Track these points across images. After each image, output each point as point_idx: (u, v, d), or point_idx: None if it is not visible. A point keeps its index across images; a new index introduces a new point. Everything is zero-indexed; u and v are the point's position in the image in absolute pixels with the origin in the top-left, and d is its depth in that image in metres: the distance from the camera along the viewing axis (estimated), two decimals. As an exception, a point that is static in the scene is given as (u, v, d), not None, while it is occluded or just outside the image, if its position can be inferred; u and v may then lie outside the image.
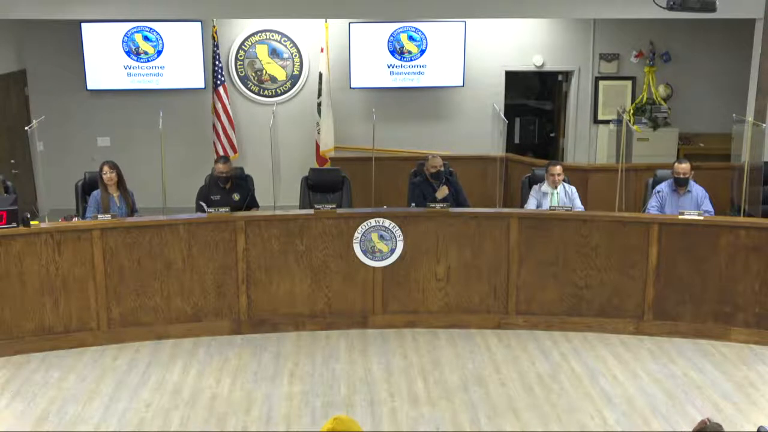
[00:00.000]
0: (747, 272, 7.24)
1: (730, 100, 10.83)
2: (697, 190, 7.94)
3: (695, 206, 7.77)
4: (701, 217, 7.36)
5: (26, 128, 7.98)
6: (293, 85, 11.43)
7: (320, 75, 10.93)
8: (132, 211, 7.84)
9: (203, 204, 7.89)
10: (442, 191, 8.21)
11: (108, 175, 7.70)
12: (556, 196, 8.06)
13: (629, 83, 11.82)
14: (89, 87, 11.01)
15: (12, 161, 10.23)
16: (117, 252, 7.14)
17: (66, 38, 10.83)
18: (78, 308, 7.14)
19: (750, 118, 9.13)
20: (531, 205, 8.12)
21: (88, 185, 8.11)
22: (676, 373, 6.79)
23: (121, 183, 7.81)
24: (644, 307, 7.46)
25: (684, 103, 11.74)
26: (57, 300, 7.08)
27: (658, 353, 7.16)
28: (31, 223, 6.99)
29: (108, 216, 7.27)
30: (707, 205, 7.85)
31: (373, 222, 7.45)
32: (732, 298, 7.32)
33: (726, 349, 7.23)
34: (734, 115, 9.49)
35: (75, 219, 7.71)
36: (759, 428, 4.30)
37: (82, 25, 10.68)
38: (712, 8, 6.35)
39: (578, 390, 6.47)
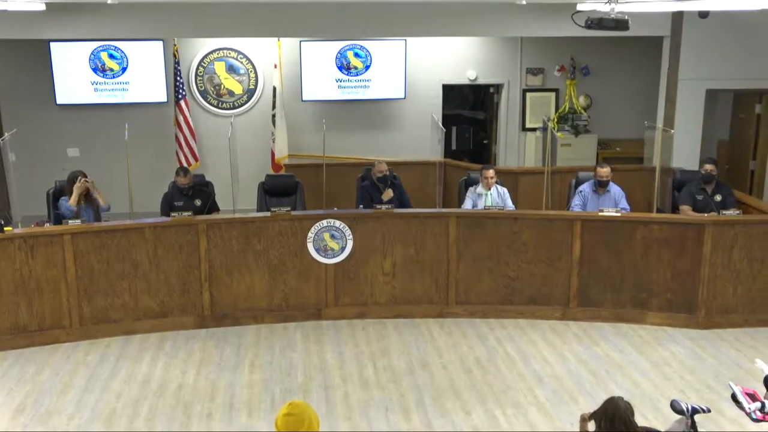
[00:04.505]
0: (659, 262, 7.37)
1: (642, 108, 11.00)
2: (614, 189, 8.05)
3: (613, 204, 7.88)
4: (619, 214, 7.47)
5: (-1, 140, 7.77)
6: (249, 98, 11.30)
7: (274, 89, 10.84)
8: (98, 213, 7.65)
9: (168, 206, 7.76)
10: (388, 194, 8.22)
11: (83, 179, 7.50)
12: (490, 196, 8.10)
13: (553, 95, 11.92)
14: (59, 101, 10.74)
15: (-15, 172, 9.96)
16: (87, 254, 6.99)
17: (36, 56, 10.54)
18: (51, 308, 6.97)
19: (660, 124, 9.32)
20: (467, 205, 8.15)
21: (59, 193, 7.88)
22: (599, 354, 6.88)
23: (89, 193, 7.63)
24: (569, 295, 7.54)
25: (602, 112, 11.87)
26: (31, 300, 6.90)
27: (583, 336, 7.25)
28: (5, 229, 6.81)
29: (78, 221, 7.12)
30: (624, 203, 7.96)
31: (324, 223, 7.42)
32: (647, 285, 7.44)
33: (643, 332, 7.35)
34: (646, 122, 9.65)
35: (47, 224, 7.51)
36: (672, 401, 4.38)
37: (51, 44, 10.43)
38: (626, 27, 6.44)
39: (512, 371, 6.52)
